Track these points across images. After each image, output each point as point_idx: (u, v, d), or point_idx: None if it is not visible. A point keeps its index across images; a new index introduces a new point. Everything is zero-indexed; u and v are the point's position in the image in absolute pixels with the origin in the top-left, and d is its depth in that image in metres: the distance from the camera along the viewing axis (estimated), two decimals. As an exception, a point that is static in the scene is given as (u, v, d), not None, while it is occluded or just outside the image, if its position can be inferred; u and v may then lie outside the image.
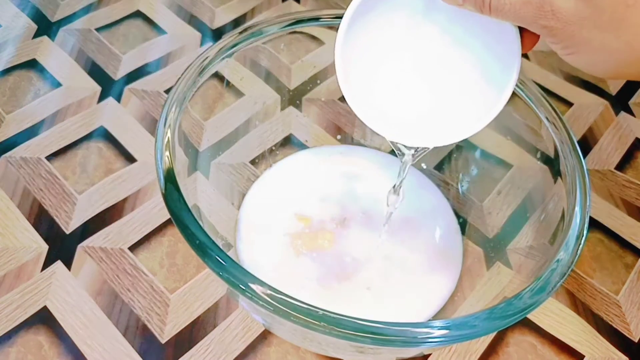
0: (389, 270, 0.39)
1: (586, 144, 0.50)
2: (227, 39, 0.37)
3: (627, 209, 0.46)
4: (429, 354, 0.37)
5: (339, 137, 0.48)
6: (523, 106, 0.36)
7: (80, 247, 0.40)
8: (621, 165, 0.49)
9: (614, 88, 0.56)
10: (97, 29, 0.56)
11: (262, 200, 0.42)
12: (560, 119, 0.34)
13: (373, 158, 0.46)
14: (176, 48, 0.55)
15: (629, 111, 0.54)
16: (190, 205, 0.29)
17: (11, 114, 0.48)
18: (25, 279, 0.38)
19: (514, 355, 0.37)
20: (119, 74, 0.52)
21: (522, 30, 0.26)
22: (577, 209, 0.30)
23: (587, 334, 0.38)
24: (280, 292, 0.25)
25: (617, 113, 0.53)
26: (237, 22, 0.59)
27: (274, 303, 0.25)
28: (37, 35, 0.55)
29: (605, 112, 0.53)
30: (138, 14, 0.58)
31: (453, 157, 0.45)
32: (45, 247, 0.40)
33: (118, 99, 0.50)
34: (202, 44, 0.56)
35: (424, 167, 0.45)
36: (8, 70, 0.51)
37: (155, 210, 0.42)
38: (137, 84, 0.51)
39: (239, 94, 0.43)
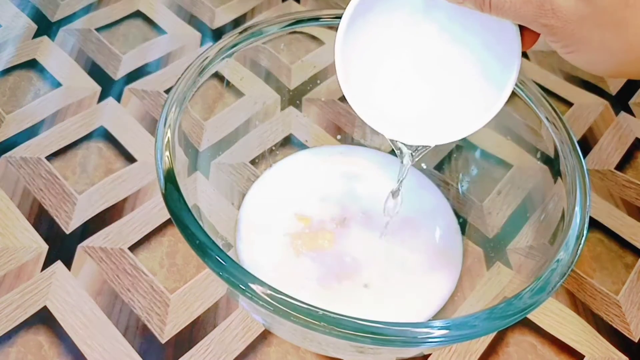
0: (389, 270, 0.39)
1: (586, 144, 0.50)
2: (227, 39, 0.37)
3: (627, 209, 0.46)
4: (429, 354, 0.37)
5: (339, 137, 0.48)
6: (523, 106, 0.36)
7: (80, 247, 0.40)
8: (621, 165, 0.49)
9: (614, 88, 0.56)
10: (97, 29, 0.56)
11: (262, 200, 0.42)
12: (560, 119, 0.34)
13: (373, 158, 0.46)
14: (176, 48, 0.55)
15: (629, 111, 0.54)
16: (190, 205, 0.29)
17: (11, 114, 0.48)
18: (25, 279, 0.38)
19: (514, 355, 0.37)
20: (119, 74, 0.52)
21: (522, 28, 0.26)
22: (577, 209, 0.30)
23: (587, 334, 0.38)
24: (280, 292, 0.25)
25: (617, 113, 0.53)
26: (237, 22, 0.59)
27: (274, 303, 0.25)
28: (37, 35, 0.55)
29: (605, 112, 0.53)
30: (138, 14, 0.58)
31: (453, 157, 0.45)
32: (45, 247, 0.40)
33: (118, 99, 0.50)
34: (202, 44, 0.56)
35: (424, 167, 0.45)
36: (8, 70, 0.51)
37: (155, 210, 0.42)
38: (137, 84, 0.51)
39: (239, 94, 0.43)
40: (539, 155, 0.37)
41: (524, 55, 0.58)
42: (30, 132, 0.47)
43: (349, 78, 0.29)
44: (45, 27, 0.56)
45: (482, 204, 0.42)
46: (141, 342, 0.36)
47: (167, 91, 0.51)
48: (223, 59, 0.37)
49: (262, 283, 0.25)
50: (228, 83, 0.41)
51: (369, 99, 0.30)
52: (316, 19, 0.39)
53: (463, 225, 0.42)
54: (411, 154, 0.33)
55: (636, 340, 0.38)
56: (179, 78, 0.34)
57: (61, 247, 0.40)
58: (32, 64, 0.52)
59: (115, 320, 0.37)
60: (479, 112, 0.28)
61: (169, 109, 0.32)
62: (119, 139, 0.47)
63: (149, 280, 0.39)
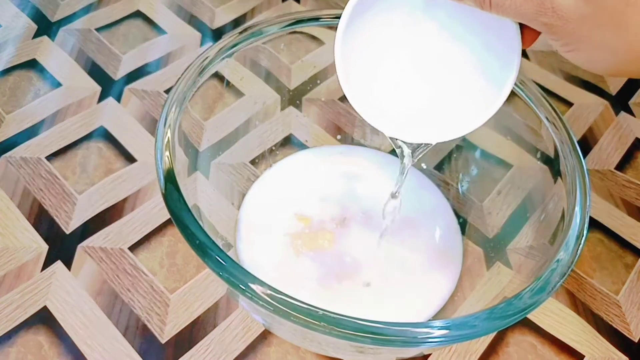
0: (389, 270, 0.39)
1: (586, 144, 0.50)
2: (227, 39, 0.37)
3: (627, 209, 0.46)
4: (429, 354, 0.37)
5: (339, 137, 0.48)
6: (523, 106, 0.36)
7: (80, 247, 0.40)
8: (621, 165, 0.49)
9: (614, 88, 0.56)
10: (97, 29, 0.56)
11: (262, 200, 0.42)
12: (560, 119, 0.34)
13: (373, 158, 0.46)
14: (176, 48, 0.55)
15: (629, 111, 0.54)
16: (190, 205, 0.29)
17: (11, 114, 0.48)
18: (25, 279, 0.38)
19: (514, 355, 0.37)
20: (119, 74, 0.52)
21: (522, 26, 0.26)
22: (577, 209, 0.30)
23: (587, 334, 0.38)
24: (280, 292, 0.25)
25: (617, 113, 0.53)
26: (237, 22, 0.59)
27: (274, 303, 0.25)
28: (37, 35, 0.55)
29: (605, 112, 0.53)
30: (138, 14, 0.58)
31: (453, 157, 0.45)
32: (45, 247, 0.40)
33: (118, 99, 0.50)
34: (202, 44, 0.56)
35: (424, 167, 0.45)
36: (8, 70, 0.51)
37: (155, 210, 0.42)
38: (137, 84, 0.51)
39: (239, 94, 0.43)
40: (539, 155, 0.37)
41: (524, 55, 0.58)
42: (30, 132, 0.47)
43: (349, 77, 0.29)
44: (45, 27, 0.56)
45: (482, 204, 0.42)
46: (141, 342, 0.36)
47: (167, 91, 0.51)
48: (223, 59, 0.37)
49: (262, 283, 0.25)
50: (228, 83, 0.41)
51: (369, 98, 0.30)
52: (316, 19, 0.39)
53: (463, 225, 0.42)
54: (411, 153, 0.33)
55: (636, 340, 0.38)
56: (179, 78, 0.34)
57: (61, 247, 0.40)
58: (32, 64, 0.52)
59: (115, 320, 0.37)
60: (479, 110, 0.28)
61: (169, 109, 0.32)
62: (119, 139, 0.47)
63: (149, 280, 0.39)
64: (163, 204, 0.29)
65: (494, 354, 0.37)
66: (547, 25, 0.23)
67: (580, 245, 0.29)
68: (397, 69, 0.30)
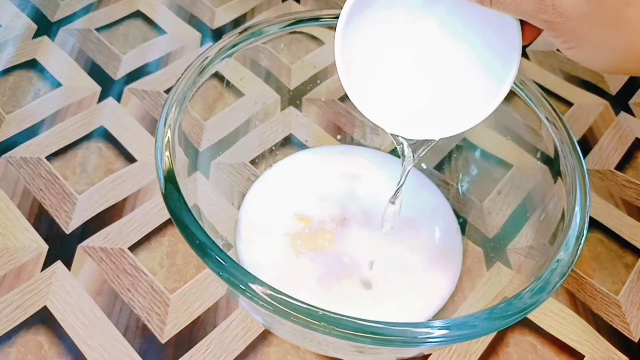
0: (389, 270, 0.39)
1: (586, 144, 0.50)
2: (227, 39, 0.37)
3: (627, 209, 0.46)
4: (429, 354, 0.37)
5: (339, 137, 0.48)
6: (523, 106, 0.36)
7: (80, 247, 0.40)
8: (621, 165, 0.49)
9: (614, 88, 0.56)
10: (97, 29, 0.56)
11: (262, 200, 0.42)
12: (560, 119, 0.34)
13: (373, 158, 0.46)
14: (176, 48, 0.55)
15: (629, 111, 0.54)
16: (190, 205, 0.29)
17: (11, 114, 0.48)
18: (25, 279, 0.38)
19: (514, 355, 0.37)
20: (119, 74, 0.52)
21: (522, 23, 0.26)
22: (577, 209, 0.30)
23: (587, 334, 0.38)
24: (280, 292, 0.25)
25: (617, 113, 0.53)
26: (237, 22, 0.59)
27: (274, 303, 0.25)
28: (37, 35, 0.55)
29: (605, 112, 0.53)
30: (138, 14, 0.58)
31: (453, 157, 0.45)
32: (45, 247, 0.40)
33: (118, 99, 0.50)
34: (202, 44, 0.56)
35: (424, 167, 0.45)
36: (8, 70, 0.51)
37: (155, 210, 0.42)
38: (137, 84, 0.51)
39: (239, 94, 0.43)
40: (539, 155, 0.37)
41: (524, 55, 0.58)
42: (30, 132, 0.47)
43: (350, 74, 0.29)
44: (45, 27, 0.56)
45: (482, 204, 0.42)
46: (141, 342, 0.36)
47: (167, 91, 0.51)
48: (223, 59, 0.37)
49: (262, 283, 0.25)
50: (228, 83, 0.41)
51: (369, 95, 0.30)
52: (316, 19, 0.39)
53: (463, 225, 0.42)
54: (412, 152, 0.33)
55: (636, 340, 0.38)
56: (179, 78, 0.34)
57: (61, 247, 0.40)
58: (32, 64, 0.52)
59: (115, 320, 0.37)
60: (479, 106, 0.28)
61: (169, 109, 0.32)
62: (119, 139, 0.47)
63: (149, 280, 0.39)
64: (163, 204, 0.29)
65: (494, 354, 0.37)
66: (548, 23, 0.23)
67: (580, 245, 0.29)
68: (397, 65, 0.30)
